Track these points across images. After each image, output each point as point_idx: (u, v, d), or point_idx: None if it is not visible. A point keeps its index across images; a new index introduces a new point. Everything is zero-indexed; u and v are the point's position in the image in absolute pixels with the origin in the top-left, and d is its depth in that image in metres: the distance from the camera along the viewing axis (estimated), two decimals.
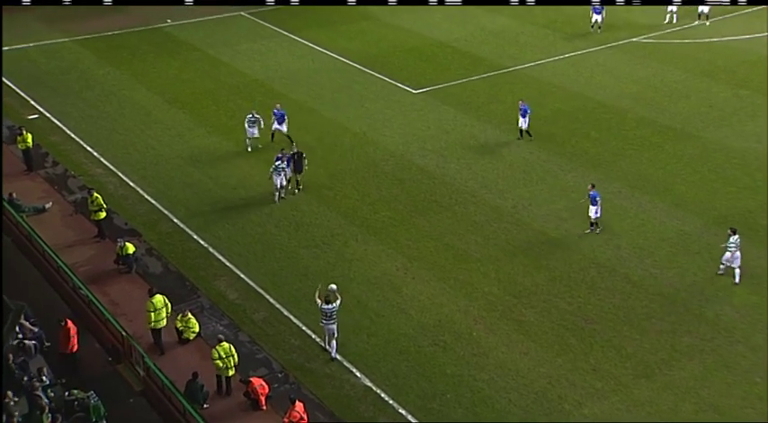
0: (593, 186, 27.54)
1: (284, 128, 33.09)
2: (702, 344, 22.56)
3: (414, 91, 38.21)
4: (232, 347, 21.14)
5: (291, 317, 23.75)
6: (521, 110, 33.09)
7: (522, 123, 33.15)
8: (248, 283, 25.22)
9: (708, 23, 44.36)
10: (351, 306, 23.86)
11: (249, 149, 32.75)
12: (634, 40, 43.28)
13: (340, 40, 44.52)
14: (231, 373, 21.10)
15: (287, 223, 28.06)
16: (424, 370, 21.86)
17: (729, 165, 31.35)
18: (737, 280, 24.65)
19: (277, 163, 28.99)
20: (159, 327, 22.54)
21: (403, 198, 29.63)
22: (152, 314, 22.33)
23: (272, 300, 24.49)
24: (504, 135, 34.00)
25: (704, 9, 44.50)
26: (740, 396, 20.86)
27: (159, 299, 22.58)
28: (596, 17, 44.36)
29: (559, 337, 22.82)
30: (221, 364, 20.92)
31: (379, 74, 39.95)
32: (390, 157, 32.46)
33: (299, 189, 29.80)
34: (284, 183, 29.23)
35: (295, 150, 29.87)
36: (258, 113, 32.66)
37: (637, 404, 20.67)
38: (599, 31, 44.27)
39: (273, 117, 32.92)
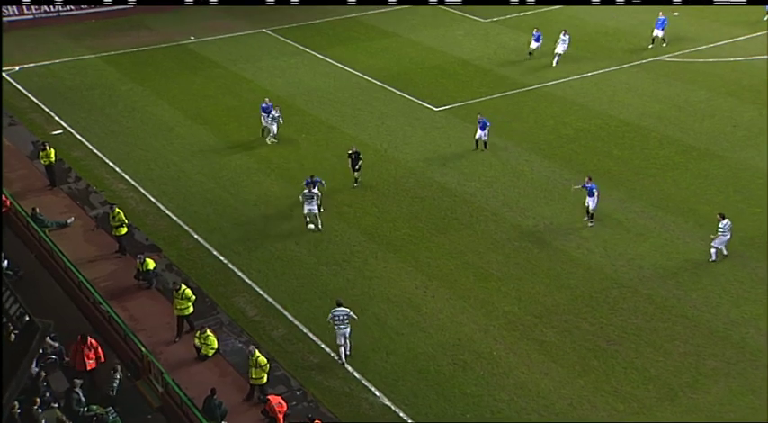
0: (590, 179, 28.42)
1: (275, 127, 34.11)
2: (728, 367, 22.30)
3: (435, 108, 38.25)
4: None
5: (310, 334, 23.74)
6: (479, 123, 33.75)
7: (482, 135, 33.68)
8: (267, 300, 25.25)
9: (665, 45, 43.95)
10: (370, 324, 23.81)
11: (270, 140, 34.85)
12: (658, 58, 43.13)
13: (362, 57, 44.72)
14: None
15: (306, 240, 28.10)
16: (443, 389, 21.75)
17: (755, 185, 31.06)
18: (714, 258, 26.24)
19: (305, 191, 28.48)
20: (185, 314, 23.74)
21: (423, 216, 29.61)
22: (179, 302, 23.56)
23: (290, 317, 24.50)
24: (525, 153, 33.93)
25: (658, 33, 44.00)
26: (766, 420, 20.55)
27: (188, 291, 23.64)
28: (657, 32, 43.66)
29: (581, 358, 22.64)
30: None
31: (401, 91, 40.05)
32: (411, 175, 32.47)
33: (356, 184, 31.30)
34: (315, 210, 28.43)
35: (353, 150, 31.22)
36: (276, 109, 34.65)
37: None
38: (663, 44, 44.03)
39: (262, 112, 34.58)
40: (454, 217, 29.49)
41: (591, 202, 28.33)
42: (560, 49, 42.51)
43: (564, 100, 38.96)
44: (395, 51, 45.80)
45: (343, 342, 22.49)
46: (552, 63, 42.41)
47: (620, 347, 22.95)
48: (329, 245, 27.91)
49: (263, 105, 34.76)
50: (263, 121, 34.96)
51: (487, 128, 33.80)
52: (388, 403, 21.30)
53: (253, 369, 21.25)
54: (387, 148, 34.62)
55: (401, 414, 20.96)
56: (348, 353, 22.59)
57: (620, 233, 28.37)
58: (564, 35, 42.70)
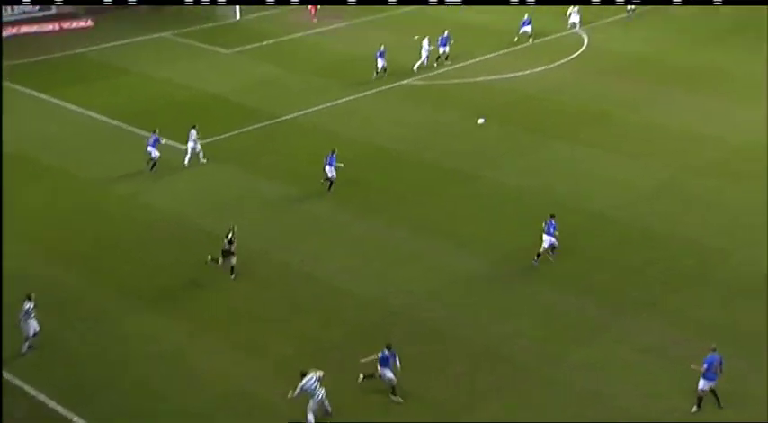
0: (553, 216, 28.60)
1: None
2: (501, 383, 23.55)
3: (181, 147, 37.62)
4: None
5: (59, 408, 22.31)
6: (151, 140, 34.98)
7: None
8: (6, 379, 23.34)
9: (448, 62, 47.13)
10: (128, 390, 22.80)
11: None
12: (404, 82, 45.31)
13: (98, 97, 43.17)
14: None
15: (47, 302, 25.64)
16: None
17: (509, 203, 33.30)
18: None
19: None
20: None
21: (183, 262, 28.96)
22: None
23: (33, 392, 22.79)
24: (285, 188, 34.24)
25: (445, 49, 47.22)
26: None
27: None
28: (381, 62, 45.62)
29: (357, 396, 23.00)
30: None
31: (145, 131, 39.01)
32: (165, 220, 31.72)
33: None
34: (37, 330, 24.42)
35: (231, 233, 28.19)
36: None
37: None
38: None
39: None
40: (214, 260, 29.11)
41: (548, 240, 28.48)
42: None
43: (317, 129, 39.80)
44: (136, 89, 44.72)
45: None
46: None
47: (398, 379, 23.59)
48: (75, 305, 26.44)
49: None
50: None
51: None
52: None
53: None
54: (136, 193, 33.65)
55: None
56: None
57: (388, 260, 29.31)
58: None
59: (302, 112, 41.57)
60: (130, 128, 39.63)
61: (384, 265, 29.09)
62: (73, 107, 41.82)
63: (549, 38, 51.30)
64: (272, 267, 28.79)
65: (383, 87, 44.60)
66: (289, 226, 31.37)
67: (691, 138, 38.27)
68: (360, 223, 31.71)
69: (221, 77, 46.39)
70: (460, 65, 47.30)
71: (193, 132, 35.63)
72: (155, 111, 41.72)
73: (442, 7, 58.32)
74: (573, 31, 52.23)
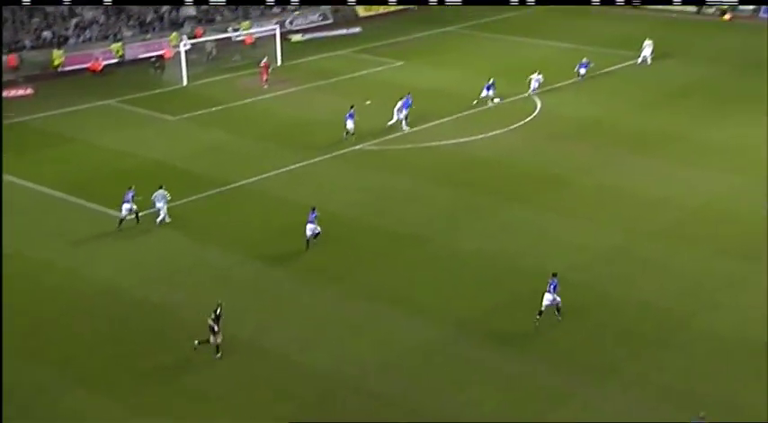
0: (555, 275, 28.67)
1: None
2: None
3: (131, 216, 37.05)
4: None
5: None
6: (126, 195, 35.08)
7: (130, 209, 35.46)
8: None
9: (406, 128, 47.45)
10: None
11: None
12: (357, 147, 45.32)
13: (40, 166, 42.42)
14: None
15: None
16: None
17: (464, 266, 33.11)
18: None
19: None
20: None
21: (125, 336, 28.16)
22: None
23: None
24: (232, 256, 33.71)
25: (401, 113, 47.51)
26: None
27: None
28: (350, 123, 45.63)
29: None
30: None
31: (89, 202, 38.36)
32: (107, 292, 30.93)
33: None
34: None
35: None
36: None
37: None
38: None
39: None
40: (163, 333, 28.41)
41: (549, 297, 28.49)
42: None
43: (268, 196, 39.45)
44: (79, 157, 44.01)
45: None
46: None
47: None
48: (11, 388, 25.35)
49: None
50: None
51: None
52: None
53: None
54: (75, 266, 32.80)
55: None
56: None
57: (341, 330, 28.78)
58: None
59: (253, 179, 41.21)
60: (72, 198, 38.88)
61: (337, 334, 28.54)
62: (13, 178, 40.97)
63: (503, 102, 51.83)
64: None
65: (336, 152, 44.52)
66: (238, 296, 30.72)
67: (645, 200, 38.61)
68: (312, 291, 31.19)
69: (169, 144, 45.98)
70: (415, 129, 47.52)
71: (162, 192, 35.88)
72: (100, 179, 41.01)
73: (394, 71, 59.01)
74: (530, 94, 52.87)
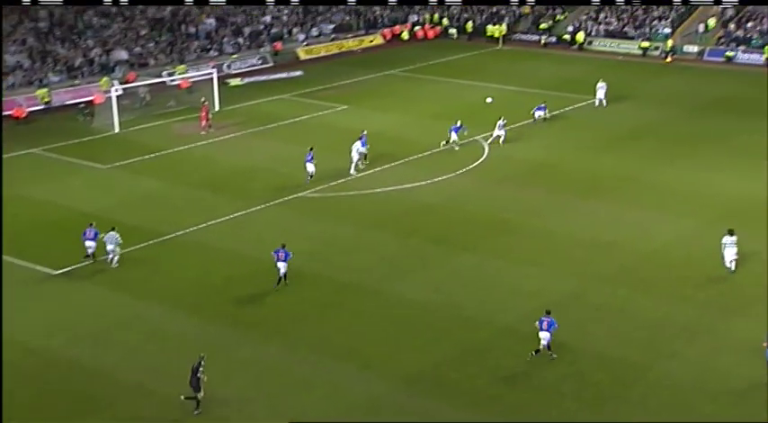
0: (549, 312, 28.99)
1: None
2: None
3: (54, 272, 35.45)
4: None
5: None
6: None
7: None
8: None
9: (357, 173, 46.77)
10: None
11: None
12: (299, 195, 44.33)
13: None
14: None
15: None
16: None
17: (412, 317, 32.18)
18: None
19: None
20: None
21: (48, 400, 26.69)
22: None
23: None
24: (169, 312, 32.33)
25: (361, 151, 46.91)
26: None
27: None
28: (310, 167, 44.94)
29: None
30: None
31: (9, 257, 36.64)
32: (31, 354, 29.33)
33: None
34: None
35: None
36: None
37: None
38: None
39: None
40: (90, 395, 27.11)
41: (546, 336, 28.77)
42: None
43: (206, 247, 38.17)
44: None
45: None
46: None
47: None
48: None
49: None
50: None
51: None
52: None
53: None
54: (3, 325, 31.11)
55: None
56: None
57: (283, 386, 27.60)
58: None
59: (189, 229, 39.86)
60: None
61: (279, 391, 27.30)
62: None
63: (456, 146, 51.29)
64: (152, 402, 26.63)
65: (277, 200, 43.46)
66: (173, 354, 29.33)
67: (597, 245, 38.15)
68: (252, 346, 29.96)
69: (98, 194, 44.37)
70: (360, 175, 46.77)
71: (114, 234, 35.63)
72: (25, 233, 39.37)
73: (338, 115, 58.50)
74: (494, 139, 52.09)
